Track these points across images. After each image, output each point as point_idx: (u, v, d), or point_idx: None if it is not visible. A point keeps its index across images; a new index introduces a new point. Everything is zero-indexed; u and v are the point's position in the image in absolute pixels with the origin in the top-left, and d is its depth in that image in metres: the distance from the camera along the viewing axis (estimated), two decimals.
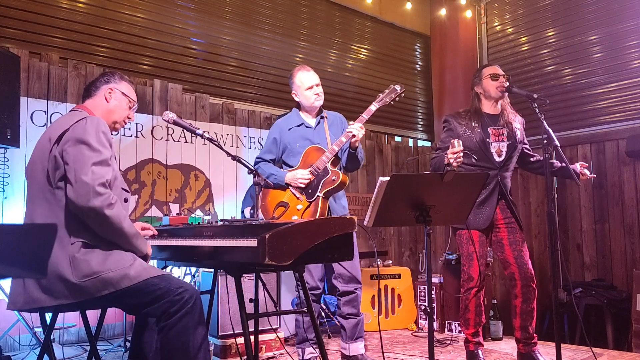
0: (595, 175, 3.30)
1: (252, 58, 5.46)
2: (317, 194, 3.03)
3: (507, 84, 3.15)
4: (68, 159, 1.99)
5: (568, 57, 5.93)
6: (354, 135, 2.98)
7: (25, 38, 4.17)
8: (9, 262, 0.99)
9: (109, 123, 2.29)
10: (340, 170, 3.12)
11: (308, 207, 3.04)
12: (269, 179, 3.15)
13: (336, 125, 3.28)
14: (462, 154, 2.79)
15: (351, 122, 3.06)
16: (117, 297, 1.98)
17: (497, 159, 3.16)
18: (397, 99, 3.12)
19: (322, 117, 3.25)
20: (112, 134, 2.11)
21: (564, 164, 3.16)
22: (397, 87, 3.11)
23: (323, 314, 4.29)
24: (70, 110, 2.26)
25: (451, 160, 2.81)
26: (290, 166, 3.19)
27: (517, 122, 3.26)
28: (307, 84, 3.17)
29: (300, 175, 3.05)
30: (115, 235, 2.03)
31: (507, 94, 3.19)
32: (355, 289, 3.16)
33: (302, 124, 3.24)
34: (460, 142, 2.87)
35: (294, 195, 3.09)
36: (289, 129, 3.23)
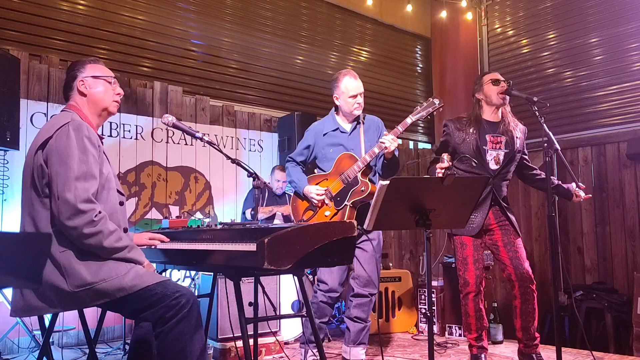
0: (590, 196, 3.23)
1: (252, 60, 5.46)
2: (345, 202, 3.05)
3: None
4: (52, 172, 1.95)
5: (569, 60, 5.93)
6: (386, 147, 2.98)
7: (25, 40, 4.17)
8: (4, 271, 0.98)
9: (100, 112, 2.20)
10: (370, 180, 3.12)
11: (335, 214, 3.07)
12: (291, 183, 3.23)
13: (372, 130, 3.27)
14: (447, 171, 2.84)
15: (386, 132, 3.05)
16: (114, 303, 1.97)
17: (494, 166, 3.12)
18: (435, 113, 3.09)
19: (358, 123, 3.25)
20: (109, 130, 2.05)
21: (558, 182, 3.20)
22: (436, 101, 3.03)
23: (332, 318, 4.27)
24: (61, 111, 2.19)
25: (440, 174, 2.86)
26: (323, 171, 3.22)
27: (518, 131, 3.21)
28: (352, 92, 3.15)
29: (314, 194, 3.10)
30: (97, 251, 1.97)
31: (508, 101, 3.17)
32: (370, 294, 3.15)
33: (337, 128, 3.24)
34: (449, 157, 2.91)
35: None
36: (324, 134, 3.24)
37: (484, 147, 3.11)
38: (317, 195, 3.10)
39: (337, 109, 3.30)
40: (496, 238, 3.14)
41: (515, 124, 3.22)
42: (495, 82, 3.13)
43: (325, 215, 3.09)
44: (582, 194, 3.15)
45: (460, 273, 3.17)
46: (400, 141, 3.00)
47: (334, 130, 3.23)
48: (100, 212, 1.95)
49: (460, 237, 3.16)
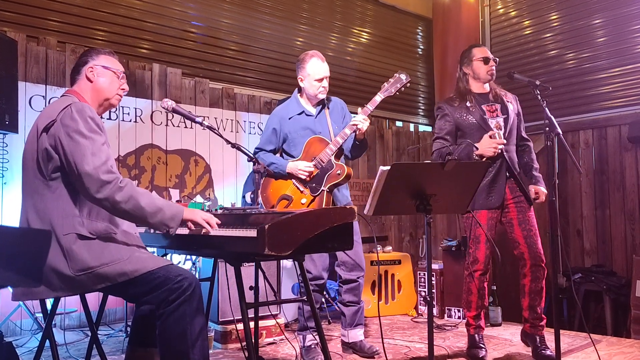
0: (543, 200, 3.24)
1: (252, 42, 5.41)
2: (322, 188, 2.99)
3: (494, 68, 3.17)
4: (65, 153, 1.96)
5: (571, 41, 5.87)
6: (358, 128, 2.93)
7: (22, 22, 4.12)
8: (4, 267, 0.98)
9: (102, 102, 2.21)
10: (343, 162, 3.08)
11: (312, 201, 3.00)
12: (270, 168, 3.09)
13: (337, 111, 3.22)
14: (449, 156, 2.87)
15: (358, 110, 3.00)
16: (116, 287, 1.98)
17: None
18: (403, 89, 3.05)
19: (323, 105, 3.20)
20: (108, 114, 2.01)
21: (534, 174, 3.23)
22: (403, 77, 3.00)
23: (323, 300, 4.30)
24: (61, 96, 2.21)
25: (497, 150, 2.98)
26: (292, 156, 3.14)
27: (510, 97, 3.26)
28: (317, 76, 3.07)
29: (302, 167, 3.00)
30: (138, 217, 1.98)
31: (494, 77, 3.21)
32: (358, 277, 3.14)
33: (303, 112, 3.16)
34: (500, 132, 3.01)
35: (298, 188, 3.04)
36: (289, 118, 3.15)
37: (484, 116, 3.14)
38: (306, 168, 2.99)
39: (300, 90, 3.22)
40: (511, 215, 3.14)
41: (503, 91, 3.27)
42: (486, 60, 3.16)
43: (302, 203, 3.01)
44: (538, 196, 3.17)
45: (471, 250, 3.16)
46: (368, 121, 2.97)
47: (299, 114, 3.15)
48: (124, 179, 1.97)
49: (475, 213, 3.11)
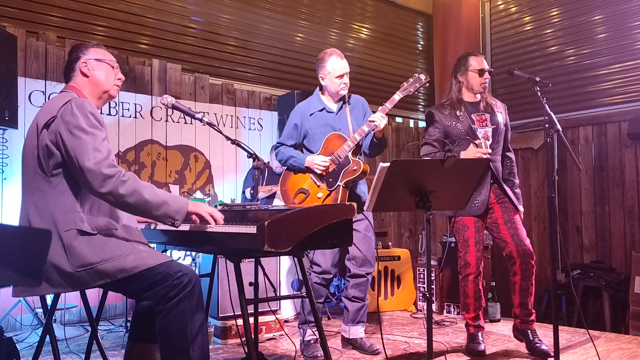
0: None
1: (251, 37, 5.40)
2: (338, 183, 3.03)
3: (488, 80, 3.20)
4: (67, 149, 1.96)
5: (571, 38, 5.86)
6: (376, 125, 2.96)
7: (21, 17, 4.12)
8: (4, 266, 0.98)
9: (101, 95, 2.21)
10: (361, 159, 3.11)
11: (328, 195, 3.04)
12: (289, 162, 3.16)
13: (357, 109, 3.25)
14: (448, 153, 2.89)
15: (382, 105, 3.02)
16: (115, 283, 1.98)
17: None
18: (422, 88, 3.08)
19: (344, 102, 3.22)
20: (108, 109, 2.01)
21: (515, 186, 3.26)
22: (422, 77, 3.04)
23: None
24: (60, 92, 2.20)
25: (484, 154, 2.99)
26: (311, 152, 3.19)
27: (500, 106, 3.28)
28: (338, 73, 3.11)
29: (318, 161, 3.05)
30: (142, 210, 1.99)
31: (487, 89, 3.24)
32: (367, 274, 3.17)
33: (324, 108, 3.20)
34: (487, 142, 3.03)
35: (315, 183, 3.09)
36: (311, 114, 3.20)
37: (472, 126, 3.16)
38: (322, 162, 3.04)
39: (321, 88, 3.26)
40: (496, 216, 3.16)
41: (493, 100, 3.29)
42: (481, 72, 3.18)
43: (318, 197, 3.05)
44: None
45: (461, 254, 3.19)
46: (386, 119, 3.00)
47: (320, 111, 3.20)
48: (127, 172, 1.98)
49: (462, 218, 3.17)
